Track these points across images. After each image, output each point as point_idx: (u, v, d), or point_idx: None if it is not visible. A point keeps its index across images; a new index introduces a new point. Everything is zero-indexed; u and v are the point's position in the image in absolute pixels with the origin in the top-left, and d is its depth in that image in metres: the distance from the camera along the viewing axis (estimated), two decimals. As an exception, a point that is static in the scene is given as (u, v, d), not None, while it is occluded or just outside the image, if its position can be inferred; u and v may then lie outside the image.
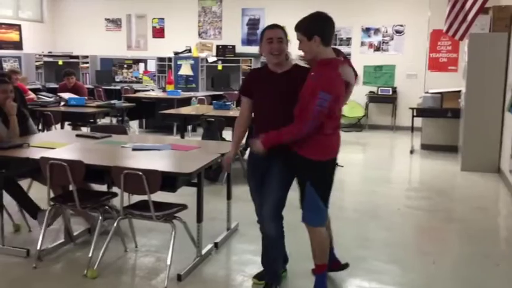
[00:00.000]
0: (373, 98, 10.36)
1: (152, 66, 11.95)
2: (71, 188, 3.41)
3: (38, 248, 3.45)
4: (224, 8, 11.54)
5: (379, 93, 10.31)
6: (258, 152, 2.91)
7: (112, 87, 11.51)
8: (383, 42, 10.45)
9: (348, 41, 10.64)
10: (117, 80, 12.10)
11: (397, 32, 10.33)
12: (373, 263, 3.72)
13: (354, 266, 3.53)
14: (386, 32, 10.39)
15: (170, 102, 9.05)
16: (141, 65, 12.25)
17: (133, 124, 9.44)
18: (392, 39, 10.38)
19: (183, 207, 3.44)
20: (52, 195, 3.58)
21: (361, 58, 10.47)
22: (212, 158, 3.55)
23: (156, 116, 9.09)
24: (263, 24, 11.25)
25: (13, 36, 11.63)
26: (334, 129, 2.95)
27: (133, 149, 3.79)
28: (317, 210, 2.97)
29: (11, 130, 4.07)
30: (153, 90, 10.90)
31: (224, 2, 11.51)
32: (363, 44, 10.55)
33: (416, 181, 6.84)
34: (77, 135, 4.42)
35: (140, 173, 3.10)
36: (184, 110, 6.90)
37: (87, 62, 12.13)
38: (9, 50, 11.32)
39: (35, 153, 3.54)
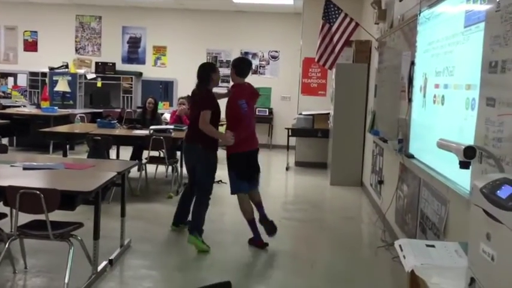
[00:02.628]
0: (256, 118, 10.97)
1: (23, 80, 11.33)
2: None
3: None
4: (103, 24, 11.40)
5: (257, 113, 10.95)
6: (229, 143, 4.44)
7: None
8: (260, 66, 11.18)
9: (227, 63, 11.17)
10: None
11: (273, 57, 11.14)
12: (259, 268, 4.10)
13: (243, 272, 3.87)
14: (263, 56, 11.16)
15: (46, 119, 8.70)
16: (10, 79, 11.54)
17: (3, 142, 8.85)
18: (268, 63, 11.16)
19: (79, 225, 3.49)
20: None
21: (235, 80, 11.07)
22: (110, 176, 3.65)
23: (29, 134, 8.68)
24: (144, 43, 11.35)
25: None
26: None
27: (24, 168, 3.73)
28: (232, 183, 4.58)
29: None
30: (24, 106, 10.34)
31: (104, 19, 11.38)
32: (241, 67, 11.17)
33: (292, 195, 7.47)
34: (-44, 155, 4.18)
35: (38, 192, 3.11)
36: (67, 128, 6.74)
37: None
38: None
39: None
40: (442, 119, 3.36)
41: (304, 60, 9.13)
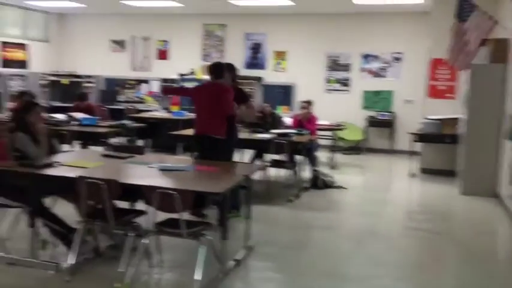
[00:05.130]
0: (372, 122, 10.66)
1: (155, 87, 12.19)
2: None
3: (71, 262, 3.61)
4: (228, 32, 11.88)
5: (378, 117, 10.62)
6: None
7: (115, 107, 11.69)
8: (381, 69, 10.81)
9: (346, 67, 11.00)
10: (120, 99, 12.31)
11: (396, 59, 10.70)
12: (384, 280, 3.93)
13: (367, 283, 3.75)
14: (385, 58, 10.76)
15: (175, 122, 9.25)
16: (144, 86, 12.49)
17: (140, 144, 9.60)
18: (390, 65, 10.74)
19: (209, 225, 3.64)
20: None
21: (360, 83, 10.84)
22: (237, 179, 3.76)
23: (162, 136, 9.30)
24: (265, 49, 11.61)
25: (20, 55, 11.85)
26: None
27: (160, 169, 3.99)
28: None
29: (40, 149, 4.25)
30: (156, 110, 11.12)
31: (228, 27, 11.86)
32: (362, 69, 10.91)
33: (417, 204, 7.07)
34: (102, 155, 4.61)
35: (174, 192, 3.30)
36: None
37: (91, 82, 12.34)
38: (16, 69, 11.52)
39: (68, 172, 3.74)
40: None
41: (431, 61, 8.63)
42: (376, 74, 10.83)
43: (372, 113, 10.72)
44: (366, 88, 10.83)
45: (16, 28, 11.92)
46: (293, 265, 4.15)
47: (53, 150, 4.49)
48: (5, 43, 11.45)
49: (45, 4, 11.55)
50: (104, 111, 10.68)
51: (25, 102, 4.77)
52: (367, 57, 10.87)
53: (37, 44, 12.38)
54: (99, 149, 7.12)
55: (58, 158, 4.28)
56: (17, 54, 11.78)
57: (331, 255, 4.49)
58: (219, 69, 5.38)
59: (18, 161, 3.98)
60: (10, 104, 7.96)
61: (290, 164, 6.51)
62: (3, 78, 9.79)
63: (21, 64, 11.88)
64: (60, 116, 7.40)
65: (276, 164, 6.79)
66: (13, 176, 3.81)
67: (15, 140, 4.14)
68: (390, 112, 10.63)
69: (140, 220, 3.91)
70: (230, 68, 5.59)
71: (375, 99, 10.81)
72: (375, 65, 10.84)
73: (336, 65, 11.09)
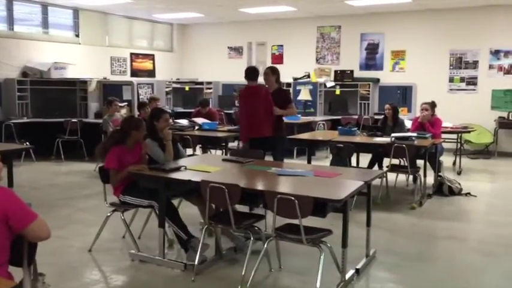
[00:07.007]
0: (503, 123, 9.78)
1: (271, 91, 12.36)
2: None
3: (196, 263, 3.76)
4: (343, 33, 11.69)
5: (510, 118, 9.70)
6: None
7: (232, 111, 12.06)
8: (515, 65, 9.87)
9: (474, 64, 10.22)
10: (237, 104, 12.65)
11: (532, 53, 9.72)
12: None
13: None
14: (520, 54, 9.82)
15: (290, 126, 9.29)
16: (259, 90, 12.72)
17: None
18: (525, 61, 9.78)
19: (329, 232, 3.56)
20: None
21: (489, 82, 10.01)
22: (357, 185, 3.64)
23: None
24: (382, 49, 11.22)
25: (147, 65, 12.82)
26: None
27: (279, 174, 4.01)
28: None
29: (167, 154, 4.50)
30: (271, 114, 11.26)
31: (343, 28, 11.67)
32: (491, 67, 10.06)
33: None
34: (223, 160, 4.77)
35: (293, 198, 3.28)
36: (310, 135, 7.07)
37: (210, 88, 12.91)
38: (144, 78, 12.45)
39: (193, 176, 3.91)
40: None
41: None
42: (507, 71, 9.92)
43: (503, 114, 9.83)
44: (495, 87, 9.96)
45: (144, 40, 12.91)
46: (417, 278, 3.91)
47: (178, 155, 4.72)
48: (134, 54, 12.45)
49: (170, 16, 12.35)
50: (222, 116, 11.12)
51: (154, 110, 5.09)
52: (497, 53, 10.01)
53: (162, 54, 13.28)
54: (219, 153, 7.44)
55: (183, 162, 4.50)
56: (145, 64, 12.74)
57: (460, 269, 4.16)
58: (254, 73, 5.88)
59: (148, 165, 4.26)
60: (139, 111, 8.59)
61: (412, 169, 6.17)
62: (132, 86, 10.62)
63: (149, 73, 12.83)
64: (183, 122, 7.83)
65: (395, 168, 6.50)
66: (145, 179, 4.09)
67: (145, 146, 4.44)
68: (525, 112, 9.66)
69: (259, 224, 3.96)
70: (274, 70, 6.06)
71: (506, 98, 9.90)
72: (506, 61, 9.93)
73: (460, 62, 10.36)
